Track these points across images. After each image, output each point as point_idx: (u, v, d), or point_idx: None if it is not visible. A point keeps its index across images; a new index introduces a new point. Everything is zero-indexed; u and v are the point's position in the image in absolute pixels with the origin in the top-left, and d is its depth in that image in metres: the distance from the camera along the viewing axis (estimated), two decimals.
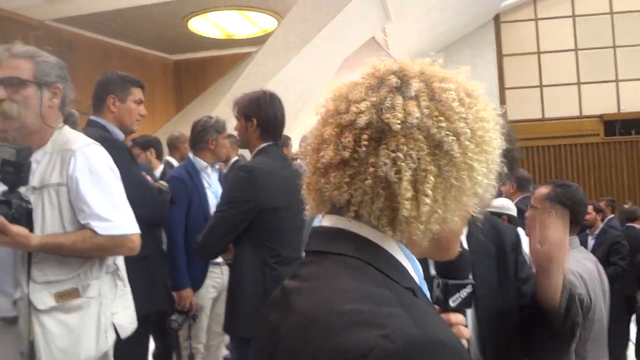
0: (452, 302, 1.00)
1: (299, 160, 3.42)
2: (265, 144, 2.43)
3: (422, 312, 0.65)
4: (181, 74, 11.37)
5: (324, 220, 0.79)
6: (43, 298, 1.67)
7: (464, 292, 1.01)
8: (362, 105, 0.74)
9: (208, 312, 3.08)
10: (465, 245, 1.40)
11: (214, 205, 2.91)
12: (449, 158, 0.72)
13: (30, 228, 1.64)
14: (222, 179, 3.13)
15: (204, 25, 10.01)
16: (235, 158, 4.37)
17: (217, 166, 3.17)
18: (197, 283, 2.97)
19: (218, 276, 3.06)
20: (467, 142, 0.73)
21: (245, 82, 8.41)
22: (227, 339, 3.12)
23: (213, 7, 9.25)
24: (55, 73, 1.77)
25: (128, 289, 1.98)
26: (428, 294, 0.80)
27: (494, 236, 1.50)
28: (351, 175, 0.73)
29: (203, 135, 3.05)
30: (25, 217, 1.63)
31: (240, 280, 2.43)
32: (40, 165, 1.73)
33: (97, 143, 1.85)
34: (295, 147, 4.62)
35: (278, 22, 9.52)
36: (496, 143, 0.77)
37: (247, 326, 2.35)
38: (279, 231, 2.40)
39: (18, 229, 1.59)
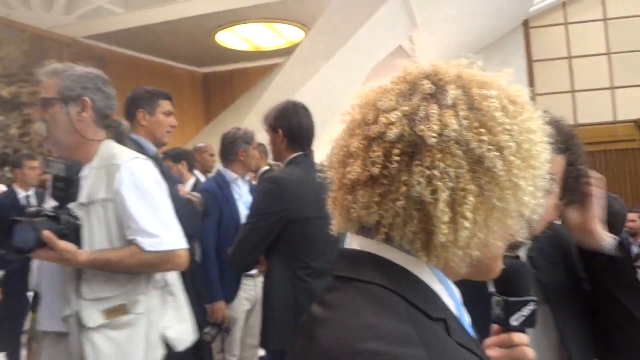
0: (514, 321, 0.92)
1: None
2: (294, 155, 2.42)
3: (445, 353, 0.60)
4: (210, 86, 11.50)
5: (352, 242, 0.73)
6: (92, 315, 1.67)
7: (527, 310, 0.93)
8: (393, 116, 0.66)
9: (242, 324, 3.07)
10: (524, 258, 1.30)
11: (244, 216, 2.91)
12: (492, 176, 0.64)
13: (79, 244, 1.64)
14: (253, 191, 3.13)
15: (232, 38, 10.12)
16: (266, 168, 4.37)
17: (247, 178, 3.18)
18: (230, 295, 2.96)
19: (251, 288, 3.05)
20: (512, 158, 0.65)
21: (274, 94, 8.46)
22: (261, 352, 3.11)
23: (240, 20, 9.35)
24: (80, 86, 1.76)
25: (183, 302, 1.96)
26: (467, 319, 0.73)
27: (554, 238, 1.37)
28: (381, 195, 0.66)
29: (233, 147, 3.06)
30: (74, 234, 1.64)
31: (270, 292, 2.41)
32: (88, 181, 1.73)
33: (143, 157, 1.83)
34: (323, 157, 4.58)
35: (305, 34, 9.57)
36: (544, 157, 0.69)
37: (278, 339, 2.32)
38: (309, 242, 2.38)
39: (66, 245, 1.60)
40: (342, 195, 0.72)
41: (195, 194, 2.76)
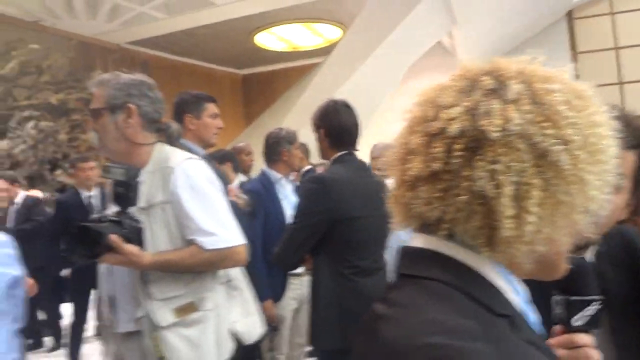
0: (576, 322, 0.89)
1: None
2: (339, 153, 2.41)
3: (511, 348, 0.59)
4: (249, 88, 11.64)
5: (414, 239, 0.72)
6: (164, 314, 1.71)
7: (590, 310, 0.89)
8: (454, 111, 0.66)
9: (289, 323, 3.08)
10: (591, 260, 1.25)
11: (290, 216, 2.92)
12: (557, 170, 0.63)
13: (142, 247, 1.68)
14: (296, 190, 3.14)
15: (270, 39, 10.22)
16: (307, 167, 4.38)
17: (291, 177, 3.19)
18: (277, 294, 2.98)
19: (298, 287, 3.07)
20: (578, 151, 0.64)
21: (312, 93, 8.49)
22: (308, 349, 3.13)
23: (279, 21, 9.44)
24: (124, 93, 1.77)
25: (248, 296, 1.99)
26: (534, 317, 0.71)
27: (623, 242, 1.31)
28: (443, 190, 0.65)
29: (276, 147, 3.07)
30: (137, 237, 1.68)
31: (316, 291, 2.41)
32: (145, 184, 1.75)
33: (195, 157, 1.86)
34: (364, 156, 4.56)
35: (342, 32, 9.57)
36: (612, 152, 0.68)
37: (326, 338, 2.32)
38: (355, 242, 2.37)
39: (131, 248, 1.64)
40: (402, 192, 0.71)
41: (242, 195, 2.79)
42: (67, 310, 4.75)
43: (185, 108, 2.52)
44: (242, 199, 2.72)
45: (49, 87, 8.62)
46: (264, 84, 11.44)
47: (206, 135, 2.54)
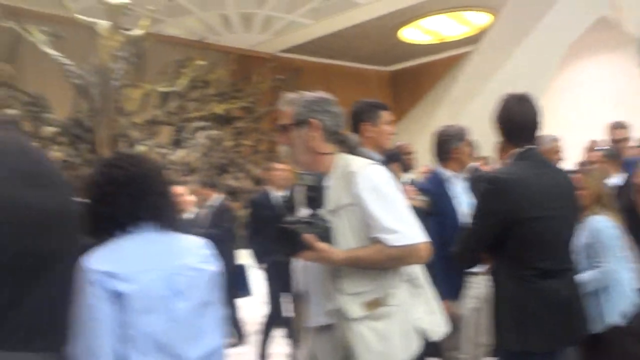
0: None
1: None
2: (517, 150, 2.32)
3: None
4: (397, 84, 11.63)
5: None
6: (354, 308, 1.85)
7: None
8: None
9: (470, 322, 3.04)
10: None
11: (462, 214, 2.88)
12: None
13: (331, 245, 1.86)
14: (468, 188, 3.08)
15: (415, 33, 10.12)
16: (473, 165, 4.27)
17: (462, 175, 3.13)
18: (454, 293, 2.96)
19: (478, 286, 3.01)
20: None
21: (464, 84, 8.25)
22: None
23: (424, 13, 9.31)
24: (307, 109, 1.97)
25: (430, 294, 2.06)
26: None
27: None
28: None
29: (446, 145, 3.04)
30: (327, 236, 1.87)
31: (496, 292, 2.36)
32: (331, 189, 1.94)
33: (374, 163, 1.99)
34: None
35: (492, 18, 9.17)
36: None
37: (509, 338, 2.27)
38: (535, 242, 2.26)
39: (323, 246, 1.83)
40: None
41: (419, 195, 2.80)
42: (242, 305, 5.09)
43: (361, 117, 2.64)
44: (420, 199, 2.74)
45: (214, 98, 9.41)
46: (411, 79, 11.36)
47: (382, 141, 2.64)
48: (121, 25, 7.20)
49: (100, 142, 7.23)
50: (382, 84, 11.43)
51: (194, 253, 1.69)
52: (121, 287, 1.41)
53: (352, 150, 2.13)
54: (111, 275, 1.41)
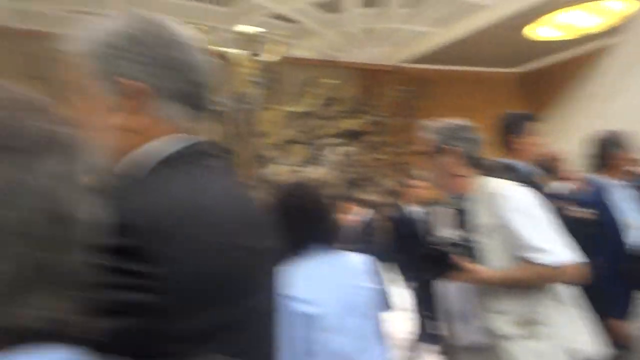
0: None
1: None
2: None
3: None
4: (526, 85, 11.10)
5: None
6: (504, 326, 1.89)
7: None
8: None
9: None
10: None
11: (625, 225, 2.74)
12: None
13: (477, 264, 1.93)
14: (631, 197, 2.92)
15: (545, 30, 9.61)
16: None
17: (622, 183, 2.97)
18: (623, 312, 2.79)
19: None
20: None
21: (605, 80, 7.71)
22: None
23: (555, 8, 8.81)
24: (446, 137, 2.08)
25: (578, 314, 2.02)
26: None
27: None
28: None
29: (604, 152, 2.94)
30: (472, 256, 1.94)
31: None
32: (473, 211, 2.01)
33: (512, 183, 2.06)
34: None
35: (633, 4, 8.45)
36: None
37: None
38: None
39: (471, 266, 1.89)
40: None
41: (580, 209, 2.72)
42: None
43: (509, 129, 2.66)
44: (582, 211, 2.67)
45: (344, 115, 9.68)
46: (542, 79, 10.79)
47: (529, 152, 2.63)
48: (255, 51, 7.68)
49: (241, 163, 7.74)
50: (510, 87, 10.98)
51: (358, 270, 1.83)
52: (308, 309, 1.58)
53: (491, 172, 2.18)
54: (301, 300, 1.59)
